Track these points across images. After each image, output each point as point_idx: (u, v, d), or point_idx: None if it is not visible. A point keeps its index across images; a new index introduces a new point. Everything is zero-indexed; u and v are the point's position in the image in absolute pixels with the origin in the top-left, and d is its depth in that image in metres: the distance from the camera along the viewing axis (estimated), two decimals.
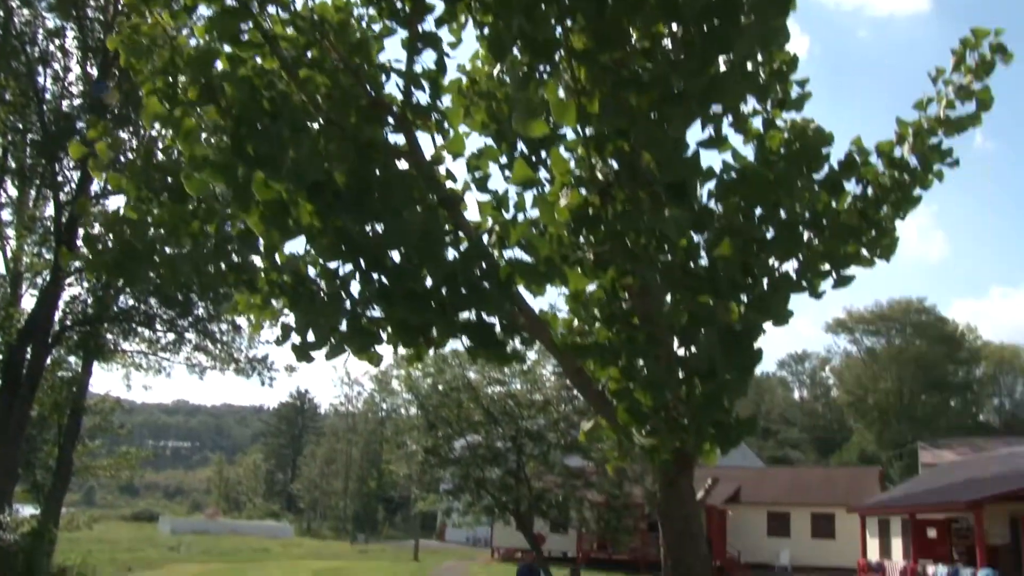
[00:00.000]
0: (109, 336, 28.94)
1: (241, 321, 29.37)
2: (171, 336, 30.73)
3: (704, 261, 4.77)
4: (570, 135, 5.00)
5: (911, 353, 72.06)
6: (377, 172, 4.52)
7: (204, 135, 4.68)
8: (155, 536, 58.64)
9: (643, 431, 4.99)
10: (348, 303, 5.25)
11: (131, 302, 28.84)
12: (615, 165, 4.70)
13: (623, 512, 28.45)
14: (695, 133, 6.38)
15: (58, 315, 26.62)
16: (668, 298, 4.76)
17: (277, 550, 50.92)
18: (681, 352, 4.90)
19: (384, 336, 5.39)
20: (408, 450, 28.43)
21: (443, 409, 27.02)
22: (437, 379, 27.32)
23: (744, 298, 4.90)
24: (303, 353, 5.18)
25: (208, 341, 31.20)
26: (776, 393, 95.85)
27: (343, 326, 5.30)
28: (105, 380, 50.97)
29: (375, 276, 4.78)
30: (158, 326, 30.02)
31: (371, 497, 72.20)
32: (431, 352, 5.67)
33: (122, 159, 13.58)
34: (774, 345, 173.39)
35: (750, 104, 5.48)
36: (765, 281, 4.95)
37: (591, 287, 5.13)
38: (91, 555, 31.42)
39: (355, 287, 5.21)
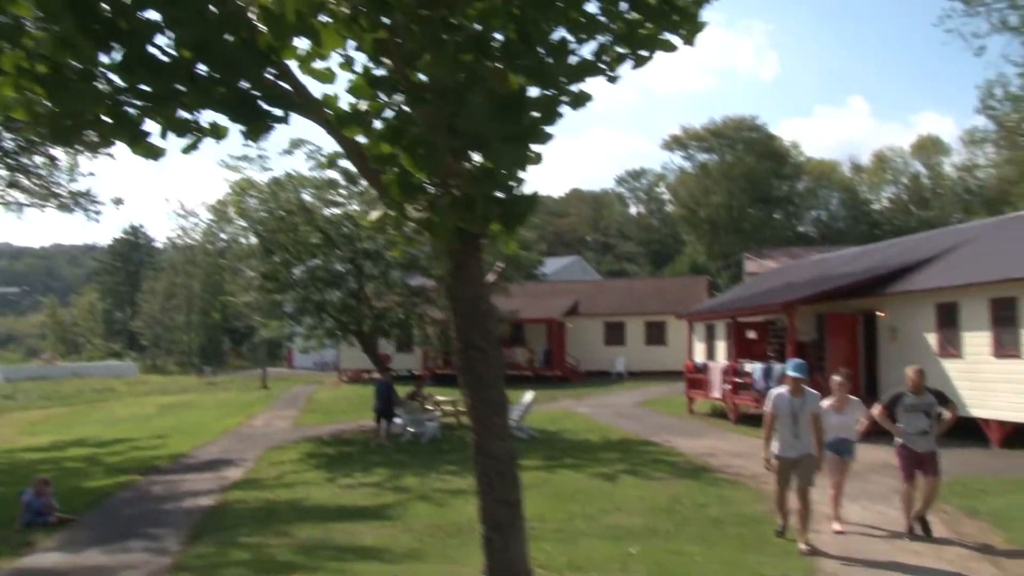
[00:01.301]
0: None
1: (58, 152, 27.41)
2: None
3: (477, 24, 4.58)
4: None
5: (741, 169, 75.38)
6: None
7: None
8: None
9: (417, 207, 4.93)
10: (108, 89, 4.82)
11: None
12: None
13: None
14: None
15: None
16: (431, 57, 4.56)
17: (122, 389, 50.02)
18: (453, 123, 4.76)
19: (156, 126, 5.02)
20: (245, 276, 27.87)
21: (279, 234, 26.46)
22: (272, 203, 26.53)
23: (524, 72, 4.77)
24: (60, 136, 4.75)
25: (21, 176, 29.09)
26: (614, 209, 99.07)
27: (106, 116, 4.90)
28: None
29: (113, 45, 4.34)
30: None
31: (215, 329, 71.24)
32: (214, 142, 5.31)
33: None
34: (612, 163, 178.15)
35: None
36: (543, 50, 4.83)
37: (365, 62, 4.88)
38: None
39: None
